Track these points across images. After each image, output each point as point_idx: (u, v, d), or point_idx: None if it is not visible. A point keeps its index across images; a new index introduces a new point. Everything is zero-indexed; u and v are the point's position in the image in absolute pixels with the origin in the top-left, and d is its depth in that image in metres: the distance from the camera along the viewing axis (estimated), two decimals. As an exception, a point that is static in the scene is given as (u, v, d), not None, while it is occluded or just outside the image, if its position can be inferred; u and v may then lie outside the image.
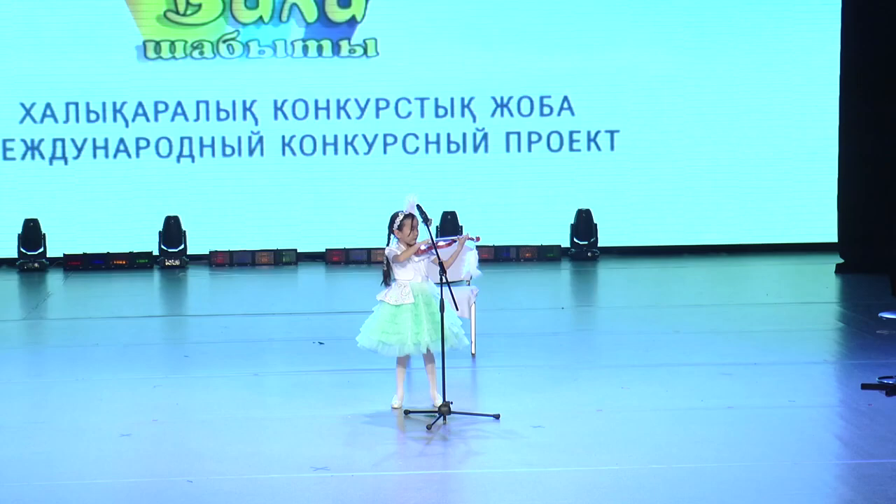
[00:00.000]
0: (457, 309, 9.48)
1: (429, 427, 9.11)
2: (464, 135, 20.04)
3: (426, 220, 9.45)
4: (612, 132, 19.88)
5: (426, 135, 20.07)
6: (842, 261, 17.66)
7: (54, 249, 19.23)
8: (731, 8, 19.61)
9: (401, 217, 9.56)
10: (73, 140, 19.99)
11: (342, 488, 7.81)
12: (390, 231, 9.63)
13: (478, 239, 10.01)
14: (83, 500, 7.69)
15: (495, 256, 19.13)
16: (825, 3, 19.25)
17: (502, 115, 20.00)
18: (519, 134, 20.00)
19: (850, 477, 7.94)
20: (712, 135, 19.81)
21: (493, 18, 19.99)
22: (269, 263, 19.41)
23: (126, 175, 19.79)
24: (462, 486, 8.04)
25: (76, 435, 9.09)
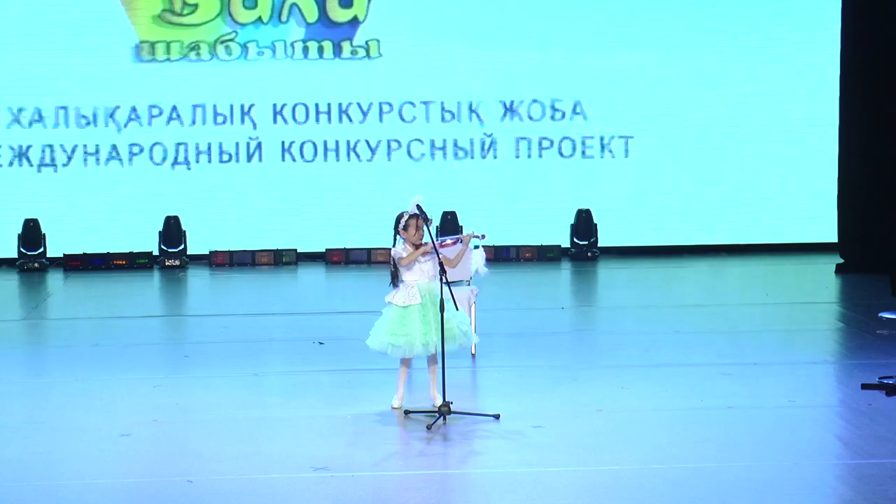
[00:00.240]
0: (457, 308, 9.48)
1: (429, 427, 9.11)
2: (471, 141, 19.92)
3: (426, 221, 9.45)
4: (623, 137, 19.84)
5: (431, 141, 19.87)
6: (842, 261, 17.65)
7: (54, 249, 19.20)
8: (729, 7, 19.59)
9: (406, 217, 9.56)
10: (62, 146, 19.63)
11: (342, 488, 7.81)
12: (396, 232, 9.63)
13: (483, 237, 10.00)
14: (83, 500, 7.69)
15: (495, 256, 19.11)
16: (826, 3, 19.23)
17: (511, 118, 19.92)
18: (529, 140, 19.88)
19: (850, 477, 7.94)
20: (712, 135, 19.80)
21: (500, 18, 19.76)
22: (269, 263, 19.39)
23: (125, 175, 19.70)
24: (462, 486, 8.04)
25: (76, 435, 9.09)
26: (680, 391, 10.33)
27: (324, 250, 19.61)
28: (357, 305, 14.98)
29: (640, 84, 19.67)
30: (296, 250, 19.55)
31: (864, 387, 10.09)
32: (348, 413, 9.61)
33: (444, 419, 9.18)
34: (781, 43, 19.59)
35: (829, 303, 15.61)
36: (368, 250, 19.36)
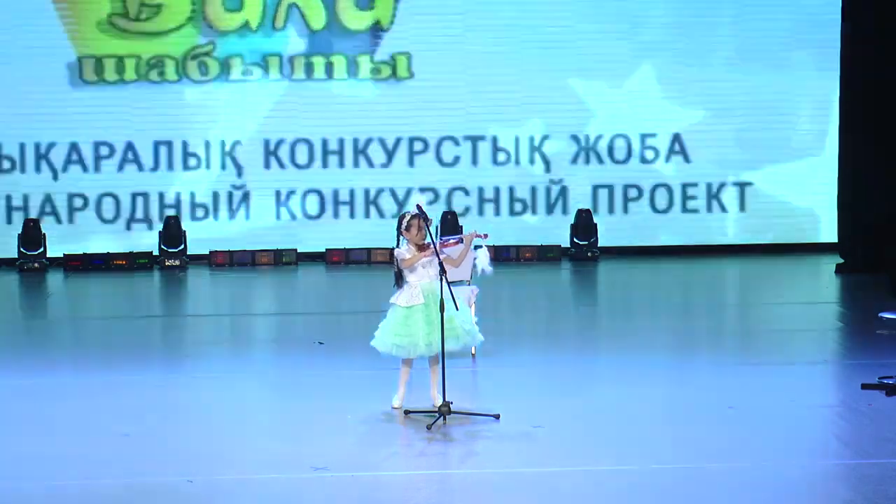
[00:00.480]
0: (457, 308, 9.47)
1: (429, 427, 9.11)
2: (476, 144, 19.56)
3: (426, 221, 9.45)
4: (615, 136, 19.82)
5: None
6: (842, 261, 17.65)
7: (54, 249, 19.11)
8: (728, 7, 19.56)
9: (408, 218, 9.57)
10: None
11: (342, 488, 7.82)
12: (399, 232, 9.63)
13: (486, 237, 10.00)
14: (83, 500, 7.69)
15: (495, 256, 19.00)
16: (826, 3, 19.21)
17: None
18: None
19: (850, 477, 7.94)
20: (712, 135, 19.78)
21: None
22: (269, 263, 19.36)
23: (125, 175, 19.52)
24: (462, 486, 8.04)
25: (76, 435, 9.09)
26: (680, 391, 10.33)
27: (324, 250, 19.57)
28: (357, 305, 14.98)
29: (639, 84, 19.64)
30: (296, 250, 19.49)
31: (864, 387, 10.09)
32: (348, 413, 9.61)
33: (445, 419, 9.18)
34: (781, 42, 19.56)
35: (829, 303, 15.60)
36: (368, 250, 19.32)
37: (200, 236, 19.31)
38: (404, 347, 9.51)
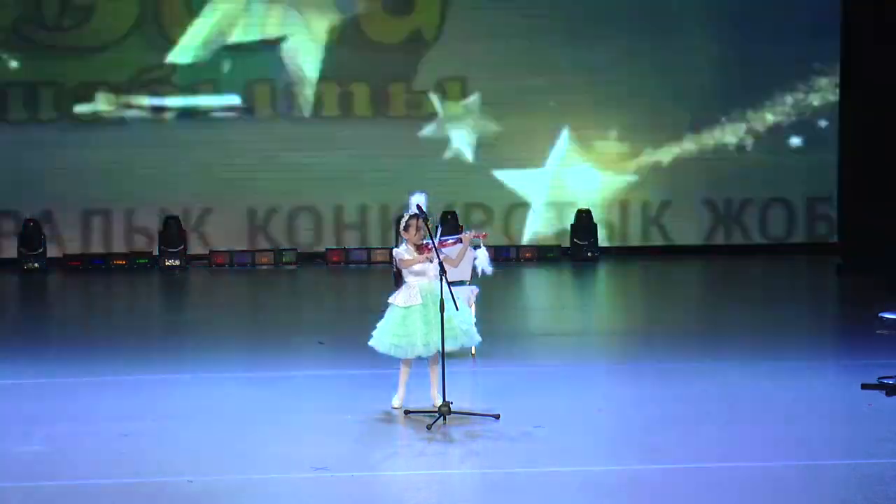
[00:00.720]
0: (457, 308, 9.47)
1: (429, 427, 9.11)
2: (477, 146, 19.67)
3: (426, 220, 9.44)
4: (611, 133, 19.84)
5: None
6: (842, 261, 17.65)
7: (54, 249, 19.11)
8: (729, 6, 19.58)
9: (406, 217, 9.57)
10: None
11: (342, 488, 7.82)
12: (397, 232, 9.62)
13: (485, 237, 9.99)
14: (83, 500, 7.69)
15: (495, 256, 19.04)
16: (826, 3, 19.23)
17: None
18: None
19: (850, 477, 7.94)
20: (712, 135, 19.79)
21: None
22: (269, 263, 19.37)
23: (125, 175, 19.55)
24: (462, 486, 8.04)
25: (76, 435, 9.09)
26: (679, 391, 10.33)
27: (324, 250, 19.58)
28: (357, 305, 14.98)
29: (637, 84, 19.66)
30: (296, 250, 19.50)
31: (864, 387, 10.09)
32: (348, 413, 9.61)
33: (445, 419, 9.18)
34: (782, 42, 19.57)
35: (829, 303, 15.60)
36: (368, 250, 19.33)
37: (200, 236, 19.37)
38: (402, 348, 9.51)
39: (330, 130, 18.14)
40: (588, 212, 19.52)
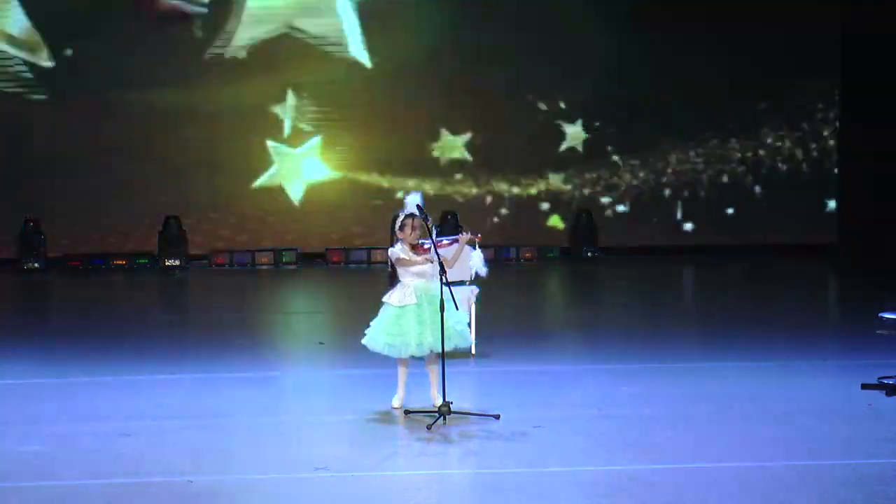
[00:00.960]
0: (457, 308, 9.47)
1: (429, 427, 9.11)
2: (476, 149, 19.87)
3: (426, 220, 9.44)
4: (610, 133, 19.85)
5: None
6: (842, 261, 17.66)
7: (54, 249, 19.09)
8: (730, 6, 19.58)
9: (401, 217, 9.56)
10: None
11: (342, 488, 7.82)
12: (392, 232, 9.63)
13: (479, 238, 10.01)
14: (83, 500, 7.69)
15: (495, 256, 19.10)
16: (827, 3, 19.22)
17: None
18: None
19: (850, 477, 7.94)
20: (712, 135, 19.80)
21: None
22: (269, 263, 19.37)
23: (124, 176, 19.53)
24: (462, 486, 8.04)
25: (76, 435, 9.09)
26: (680, 391, 10.33)
27: (324, 250, 19.58)
28: (357, 306, 14.98)
29: (637, 84, 19.66)
30: (296, 250, 19.50)
31: (864, 387, 10.09)
32: (348, 413, 9.61)
33: (445, 419, 9.18)
34: (782, 42, 19.57)
35: (829, 303, 15.60)
36: (368, 250, 19.34)
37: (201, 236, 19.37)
38: (395, 347, 9.50)
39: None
40: (588, 212, 19.53)
